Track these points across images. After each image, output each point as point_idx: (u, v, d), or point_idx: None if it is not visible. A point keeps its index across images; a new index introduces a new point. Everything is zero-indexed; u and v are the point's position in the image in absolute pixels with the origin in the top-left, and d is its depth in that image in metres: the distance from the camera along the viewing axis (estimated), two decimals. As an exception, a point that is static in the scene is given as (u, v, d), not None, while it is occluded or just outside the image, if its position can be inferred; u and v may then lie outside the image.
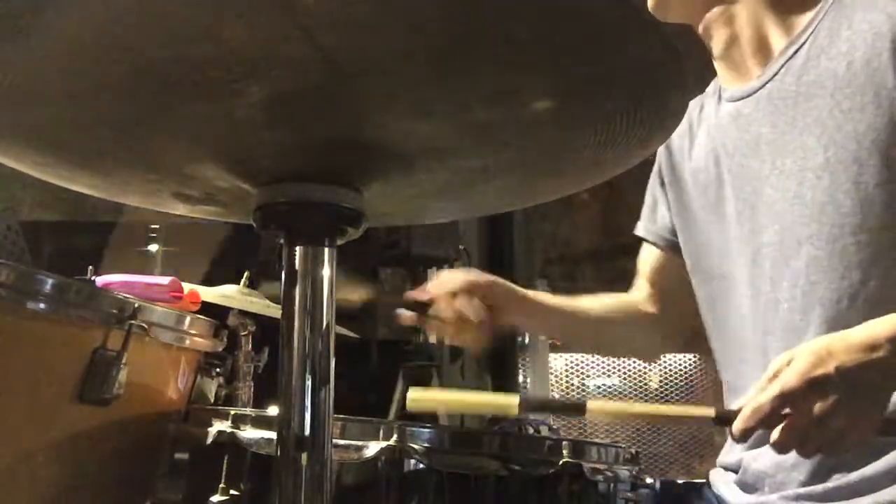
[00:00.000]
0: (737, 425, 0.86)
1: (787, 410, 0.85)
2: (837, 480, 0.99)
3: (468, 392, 0.77)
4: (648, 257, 1.36)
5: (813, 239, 1.01)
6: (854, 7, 1.02)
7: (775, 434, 0.85)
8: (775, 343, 1.08)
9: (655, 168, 1.35)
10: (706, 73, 1.23)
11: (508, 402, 0.82)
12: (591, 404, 0.85)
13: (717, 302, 1.20)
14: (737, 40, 1.14)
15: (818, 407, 0.83)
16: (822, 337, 0.90)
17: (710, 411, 0.91)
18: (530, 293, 1.28)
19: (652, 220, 1.35)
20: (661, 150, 1.32)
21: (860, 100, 0.98)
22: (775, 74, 1.09)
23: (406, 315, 1.17)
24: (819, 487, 1.01)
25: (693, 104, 1.25)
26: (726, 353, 1.21)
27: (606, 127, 0.59)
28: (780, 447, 0.86)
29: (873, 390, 0.86)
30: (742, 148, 1.13)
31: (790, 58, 1.07)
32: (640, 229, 1.37)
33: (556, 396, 3.59)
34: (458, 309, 1.14)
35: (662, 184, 1.33)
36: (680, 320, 1.32)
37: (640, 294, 1.37)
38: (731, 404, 1.21)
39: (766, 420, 0.85)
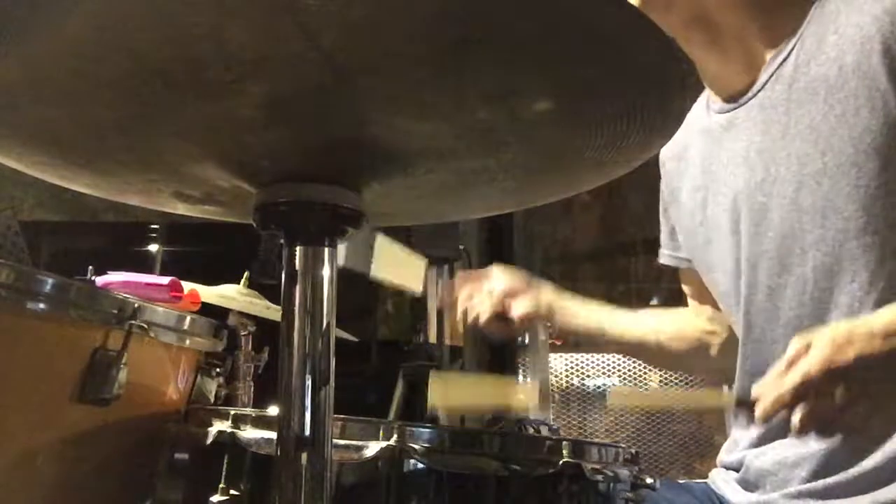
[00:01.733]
0: (759, 411, 0.87)
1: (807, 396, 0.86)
2: (838, 477, 1.00)
3: (489, 381, 0.81)
4: (687, 279, 1.36)
5: (819, 245, 1.01)
6: (838, 11, 1.02)
7: (795, 420, 0.86)
8: (779, 351, 1.08)
9: (662, 194, 1.35)
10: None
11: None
12: (614, 394, 0.87)
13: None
14: (723, 53, 1.13)
15: (839, 394, 0.84)
16: (840, 324, 0.90)
17: (730, 398, 0.92)
18: (576, 321, 1.36)
19: (673, 246, 1.35)
20: (662, 175, 1.33)
21: (854, 103, 0.98)
22: (765, 84, 1.08)
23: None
24: (820, 484, 1.01)
25: (687, 121, 1.25)
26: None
27: (607, 128, 0.59)
28: (802, 433, 0.87)
29: (894, 376, 0.87)
30: (733, 158, 1.13)
31: (779, 66, 1.06)
32: (664, 258, 1.36)
33: (556, 397, 3.59)
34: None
35: (666, 210, 1.33)
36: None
37: (697, 315, 1.35)
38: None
39: (787, 407, 0.86)
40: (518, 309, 1.32)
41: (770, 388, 0.87)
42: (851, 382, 0.84)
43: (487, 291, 1.32)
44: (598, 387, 3.58)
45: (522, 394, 0.89)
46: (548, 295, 1.35)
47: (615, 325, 1.38)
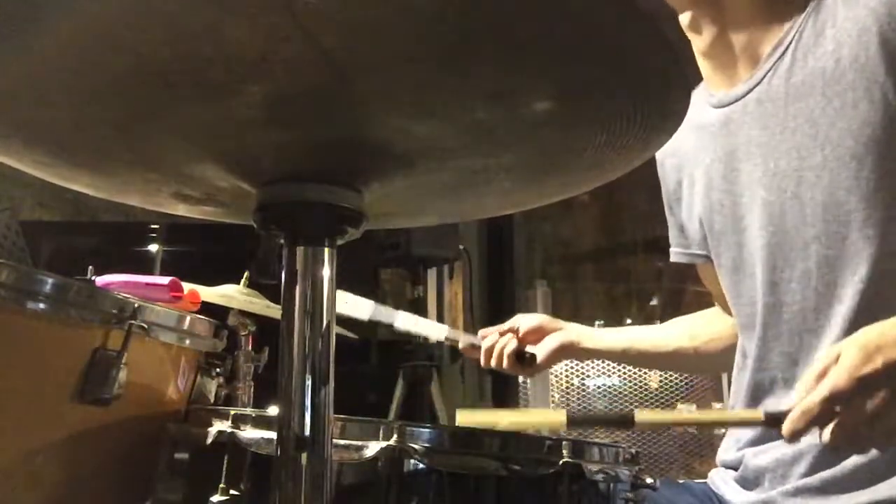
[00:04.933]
0: (787, 427, 0.85)
1: (837, 408, 0.84)
2: (835, 470, 0.99)
3: (516, 411, 0.81)
4: (706, 277, 1.34)
5: (821, 238, 1.01)
6: (836, 5, 1.02)
7: (826, 435, 0.84)
8: (780, 347, 1.07)
9: (664, 193, 1.34)
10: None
11: (556, 418, 0.87)
12: (639, 415, 0.86)
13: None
14: (726, 40, 1.12)
15: (869, 404, 0.82)
16: (869, 329, 0.87)
17: (758, 414, 0.91)
18: (604, 341, 1.40)
19: (683, 244, 1.33)
20: (660, 174, 1.32)
21: (852, 96, 0.98)
22: (763, 78, 1.08)
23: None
24: (817, 478, 1.01)
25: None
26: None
27: (607, 128, 0.59)
28: (833, 447, 0.85)
29: None
30: (732, 153, 1.13)
31: (777, 60, 1.06)
32: (675, 255, 1.35)
33: (556, 397, 3.59)
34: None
35: (671, 208, 1.33)
36: None
37: (725, 313, 1.32)
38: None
39: (816, 421, 0.84)
40: (545, 345, 1.34)
41: (799, 403, 0.85)
42: (882, 392, 0.82)
43: (512, 331, 1.35)
44: (599, 387, 3.58)
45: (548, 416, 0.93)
46: (571, 329, 1.39)
47: (644, 340, 1.39)
